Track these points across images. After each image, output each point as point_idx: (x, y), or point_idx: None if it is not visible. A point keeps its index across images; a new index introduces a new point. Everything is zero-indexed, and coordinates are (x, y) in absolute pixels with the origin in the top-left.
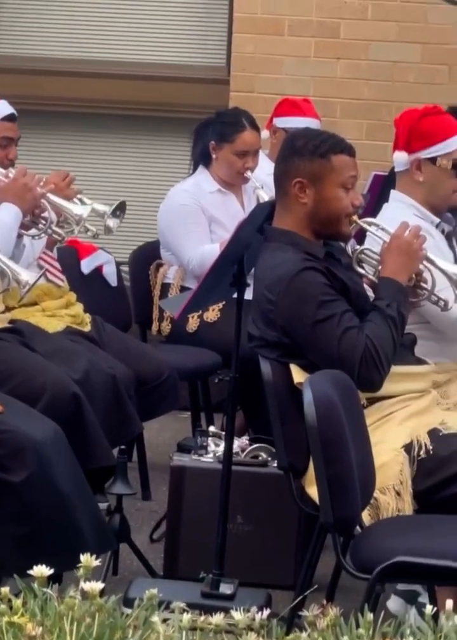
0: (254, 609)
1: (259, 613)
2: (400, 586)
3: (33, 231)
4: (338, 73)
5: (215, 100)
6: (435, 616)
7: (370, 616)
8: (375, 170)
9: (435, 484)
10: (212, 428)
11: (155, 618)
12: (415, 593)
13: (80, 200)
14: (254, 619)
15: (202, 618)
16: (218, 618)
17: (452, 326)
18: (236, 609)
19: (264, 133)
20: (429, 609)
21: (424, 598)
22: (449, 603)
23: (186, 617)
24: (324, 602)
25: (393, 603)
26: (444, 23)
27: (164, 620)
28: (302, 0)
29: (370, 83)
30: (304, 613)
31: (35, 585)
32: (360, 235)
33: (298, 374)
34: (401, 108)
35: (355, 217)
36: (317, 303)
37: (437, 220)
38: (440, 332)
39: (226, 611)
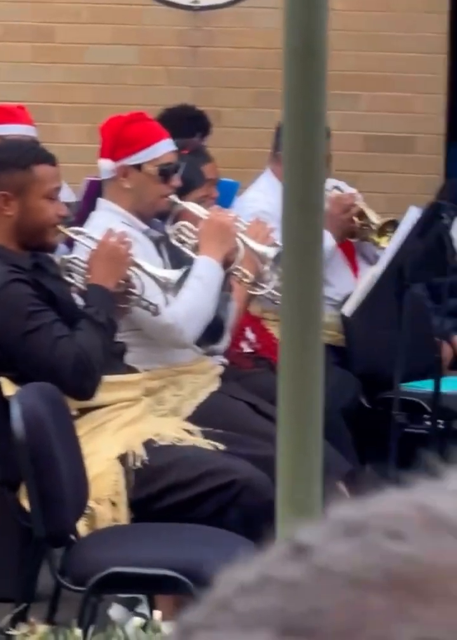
0: None
1: None
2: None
3: None
4: (56, 78)
5: None
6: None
7: (77, 631)
8: (89, 175)
9: (151, 495)
10: None
11: None
12: (136, 600)
13: None
14: None
15: None
16: None
17: (163, 331)
18: None
19: None
20: (137, 620)
21: (145, 606)
22: (157, 614)
23: None
24: (32, 619)
25: (115, 611)
26: (160, 25)
27: None
28: (17, 5)
29: (88, 87)
30: (12, 631)
31: None
32: (72, 244)
33: (8, 387)
34: (121, 111)
35: (60, 226)
36: (26, 314)
37: (145, 227)
38: (152, 338)
39: None
